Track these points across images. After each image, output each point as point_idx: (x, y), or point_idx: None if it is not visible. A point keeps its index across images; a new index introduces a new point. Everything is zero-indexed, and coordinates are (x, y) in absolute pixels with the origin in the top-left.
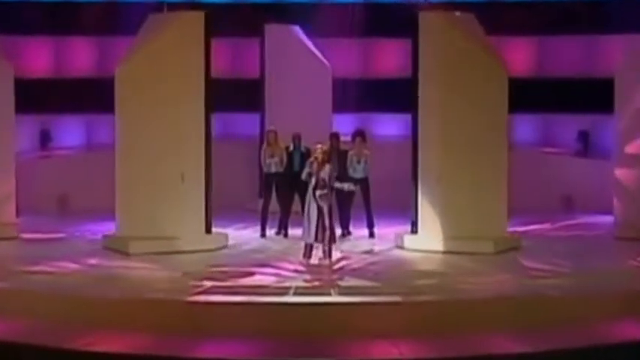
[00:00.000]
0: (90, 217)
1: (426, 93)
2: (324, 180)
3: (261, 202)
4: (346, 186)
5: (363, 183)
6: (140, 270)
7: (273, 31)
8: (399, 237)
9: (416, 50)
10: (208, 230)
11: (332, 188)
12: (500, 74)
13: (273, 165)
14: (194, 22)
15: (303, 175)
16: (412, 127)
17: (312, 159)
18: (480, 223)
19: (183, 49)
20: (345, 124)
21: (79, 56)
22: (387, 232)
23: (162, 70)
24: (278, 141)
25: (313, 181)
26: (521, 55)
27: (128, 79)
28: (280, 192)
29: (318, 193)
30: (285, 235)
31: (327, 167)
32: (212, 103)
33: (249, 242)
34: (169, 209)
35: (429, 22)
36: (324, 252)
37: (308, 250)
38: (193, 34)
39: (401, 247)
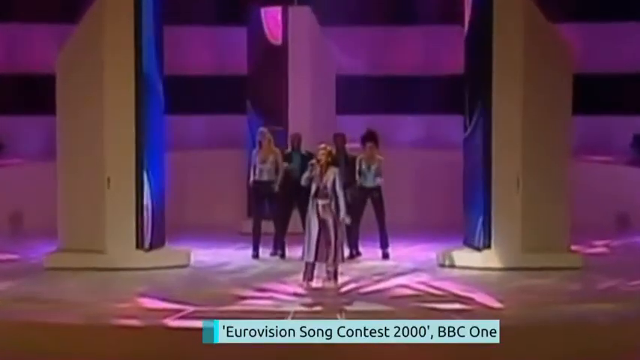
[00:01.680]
0: (49, 237)
1: (501, 88)
2: (327, 187)
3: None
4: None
5: (376, 193)
6: (93, 294)
7: (296, 13)
8: (445, 255)
9: (489, 38)
10: (139, 245)
11: (337, 197)
12: (569, 66)
13: (266, 172)
14: (121, 4)
15: (303, 180)
16: (484, 126)
17: (313, 161)
18: (554, 236)
19: (108, 36)
20: (351, 128)
21: (36, 47)
22: (403, 253)
23: (88, 61)
24: (272, 144)
25: (314, 187)
26: None
27: (62, 72)
28: (275, 204)
29: (320, 202)
30: (282, 255)
31: (332, 171)
32: (144, 102)
33: (239, 263)
34: (98, 220)
35: (508, 4)
36: (327, 273)
37: (309, 271)
38: (120, 18)
39: (452, 266)
